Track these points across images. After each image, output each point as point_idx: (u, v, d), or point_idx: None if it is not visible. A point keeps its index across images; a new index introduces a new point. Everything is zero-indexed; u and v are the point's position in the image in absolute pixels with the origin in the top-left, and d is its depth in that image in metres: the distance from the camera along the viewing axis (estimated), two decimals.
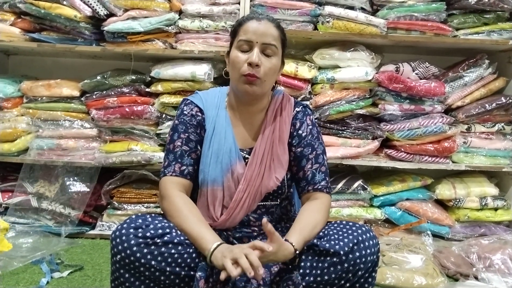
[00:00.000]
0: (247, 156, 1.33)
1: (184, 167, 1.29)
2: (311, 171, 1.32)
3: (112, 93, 2.25)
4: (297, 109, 1.40)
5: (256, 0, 2.21)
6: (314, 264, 1.15)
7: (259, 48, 1.26)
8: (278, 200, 1.36)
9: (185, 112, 1.35)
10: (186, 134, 1.32)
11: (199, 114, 1.35)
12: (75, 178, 2.25)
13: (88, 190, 2.22)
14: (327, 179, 1.33)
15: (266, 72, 1.26)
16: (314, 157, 1.33)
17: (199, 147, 1.33)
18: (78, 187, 2.23)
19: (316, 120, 1.43)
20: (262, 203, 1.33)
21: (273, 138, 1.34)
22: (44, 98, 2.29)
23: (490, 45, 2.28)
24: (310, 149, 1.34)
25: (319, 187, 1.30)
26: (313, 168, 1.32)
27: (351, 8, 2.23)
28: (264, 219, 1.08)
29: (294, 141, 1.36)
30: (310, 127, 1.37)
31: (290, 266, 1.16)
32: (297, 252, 1.13)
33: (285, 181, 1.33)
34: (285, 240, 1.13)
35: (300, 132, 1.36)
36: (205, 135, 1.34)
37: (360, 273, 1.15)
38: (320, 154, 1.34)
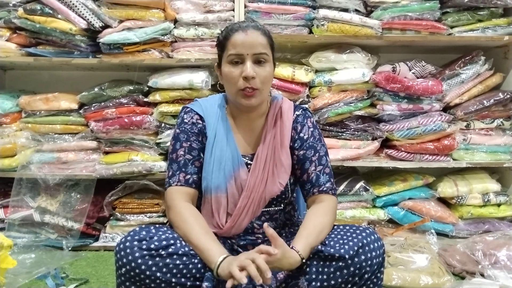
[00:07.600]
0: (249, 162, 1.34)
1: (188, 176, 1.29)
2: (315, 173, 1.31)
3: (111, 104, 2.25)
4: (297, 112, 1.40)
5: (250, 6, 2.21)
6: (320, 269, 1.15)
7: (251, 59, 1.25)
8: (282, 205, 1.36)
9: (185, 120, 1.35)
10: (188, 143, 1.32)
11: (200, 121, 1.35)
12: (77, 190, 2.25)
13: (87, 203, 2.22)
14: (332, 180, 1.33)
15: (262, 81, 1.27)
16: (317, 159, 1.32)
17: (201, 155, 1.33)
18: (79, 199, 2.23)
19: (316, 123, 1.42)
20: (265, 209, 1.33)
21: (274, 144, 1.34)
22: (42, 112, 2.28)
23: (486, 41, 2.28)
24: (312, 151, 1.33)
25: (324, 189, 1.30)
26: (317, 170, 1.31)
27: (345, 10, 2.23)
28: (265, 224, 1.09)
29: (296, 145, 1.35)
30: (312, 129, 1.37)
31: (296, 272, 1.16)
32: (304, 260, 1.12)
33: (289, 186, 1.33)
34: (292, 247, 1.12)
35: (301, 135, 1.36)
36: (206, 142, 1.34)
37: (366, 276, 1.15)
38: (323, 156, 1.34)
